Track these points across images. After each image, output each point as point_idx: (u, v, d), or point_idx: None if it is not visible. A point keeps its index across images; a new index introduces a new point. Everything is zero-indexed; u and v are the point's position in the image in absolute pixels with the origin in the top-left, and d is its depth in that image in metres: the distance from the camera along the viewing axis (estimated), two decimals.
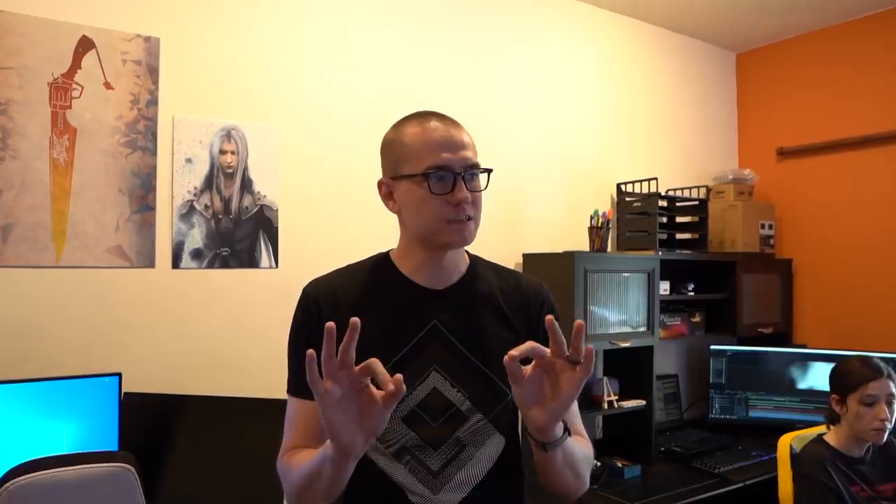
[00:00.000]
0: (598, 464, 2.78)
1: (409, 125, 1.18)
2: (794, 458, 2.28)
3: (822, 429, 2.27)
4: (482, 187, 1.18)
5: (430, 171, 1.12)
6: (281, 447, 1.16)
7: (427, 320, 1.18)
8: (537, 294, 1.28)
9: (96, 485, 1.33)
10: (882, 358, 2.21)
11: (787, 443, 2.34)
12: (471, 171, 1.15)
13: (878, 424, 2.08)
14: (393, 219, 1.23)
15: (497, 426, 1.19)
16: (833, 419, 2.21)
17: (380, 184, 1.22)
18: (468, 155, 1.15)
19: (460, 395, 1.16)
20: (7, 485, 1.24)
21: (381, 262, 1.24)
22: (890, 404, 2.09)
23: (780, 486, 2.31)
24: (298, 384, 1.13)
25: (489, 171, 1.19)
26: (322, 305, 1.16)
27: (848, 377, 2.17)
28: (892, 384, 2.11)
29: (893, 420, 2.11)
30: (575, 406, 1.21)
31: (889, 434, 2.13)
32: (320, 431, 1.09)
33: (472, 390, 1.16)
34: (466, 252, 1.27)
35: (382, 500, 1.14)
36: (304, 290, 1.20)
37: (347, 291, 1.19)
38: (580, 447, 1.16)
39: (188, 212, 2.25)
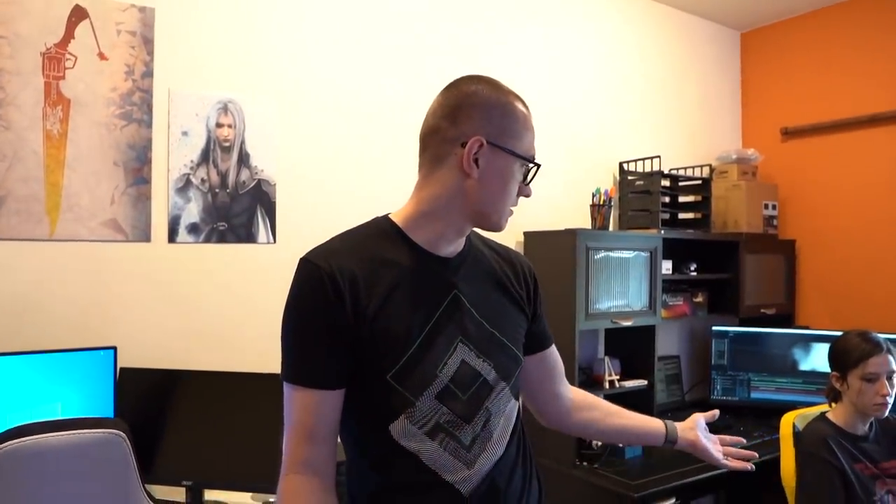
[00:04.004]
0: (599, 443, 2.76)
1: (515, 101, 1.15)
2: (798, 436, 2.25)
3: (825, 407, 2.25)
4: None
5: (535, 163, 1.15)
6: (284, 450, 1.07)
7: (448, 290, 1.14)
8: (529, 268, 1.31)
9: (87, 450, 1.31)
10: (886, 339, 2.17)
11: (790, 421, 2.31)
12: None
13: (880, 400, 2.05)
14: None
15: (513, 392, 1.20)
16: (834, 397, 2.19)
17: (475, 141, 1.09)
18: None
19: (487, 364, 1.14)
20: None
21: (388, 229, 1.15)
22: (890, 379, 2.07)
23: (782, 464, 2.29)
24: (304, 372, 1.06)
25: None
26: (340, 282, 1.04)
27: (848, 354, 2.14)
28: (892, 359, 2.08)
29: (895, 395, 2.09)
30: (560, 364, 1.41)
31: (892, 410, 2.11)
32: (324, 426, 1.06)
33: (496, 359, 1.15)
34: None
35: (416, 487, 1.09)
36: (312, 262, 1.06)
37: (362, 265, 1.08)
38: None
39: (184, 185, 2.22)
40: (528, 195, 1.17)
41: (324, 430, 1.06)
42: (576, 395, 1.43)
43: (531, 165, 1.15)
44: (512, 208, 1.16)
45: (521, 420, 1.24)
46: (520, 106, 1.15)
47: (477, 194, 1.11)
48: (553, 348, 1.38)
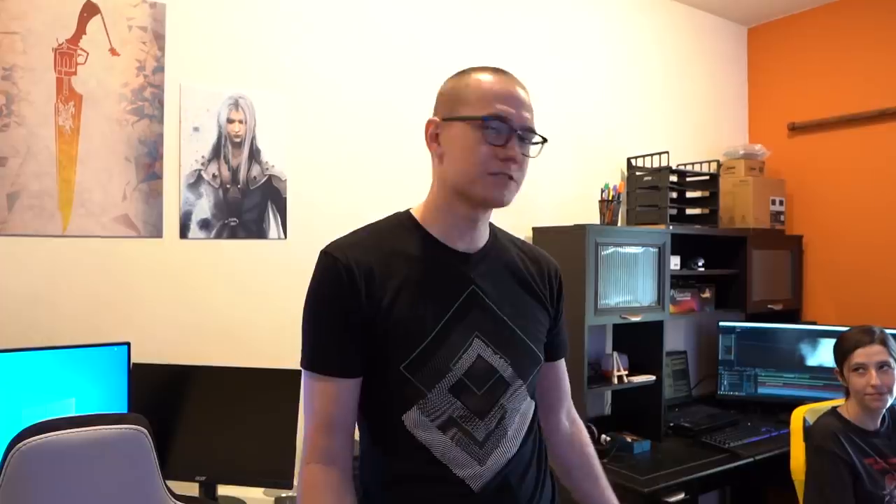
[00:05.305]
0: (609, 439, 2.77)
1: (476, 72, 1.14)
2: (808, 430, 2.27)
3: (837, 402, 2.26)
4: (534, 154, 1.14)
5: (491, 118, 1.08)
6: (304, 439, 1.10)
7: (466, 285, 1.14)
8: (556, 269, 1.31)
9: (109, 446, 1.31)
10: (891, 334, 2.18)
11: (800, 415, 2.33)
12: (527, 133, 1.12)
13: (871, 390, 2.07)
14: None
15: (530, 391, 1.20)
16: (846, 392, 2.20)
17: (428, 123, 1.15)
18: (528, 117, 1.13)
19: (503, 361, 1.14)
20: (19, 445, 1.22)
21: (406, 223, 1.17)
22: (883, 369, 2.07)
23: (792, 458, 2.30)
24: (320, 361, 1.09)
25: (544, 140, 1.16)
26: (356, 274, 1.07)
27: (839, 347, 2.18)
28: (883, 349, 2.09)
29: None
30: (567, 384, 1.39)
31: None
32: (341, 415, 1.09)
33: (513, 356, 1.15)
34: None
35: (425, 480, 1.10)
36: (330, 254, 1.10)
37: (379, 258, 1.11)
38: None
39: (196, 181, 2.22)
40: (511, 156, 1.08)
41: (342, 419, 1.09)
42: (576, 431, 1.38)
43: (491, 123, 1.08)
44: (499, 172, 1.09)
45: (537, 420, 1.24)
46: (476, 75, 1.14)
47: (448, 170, 1.12)
48: (562, 363, 1.37)
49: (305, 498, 1.07)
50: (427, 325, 1.09)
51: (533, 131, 1.13)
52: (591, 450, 1.38)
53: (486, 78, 1.13)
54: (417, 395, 1.08)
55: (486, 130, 1.08)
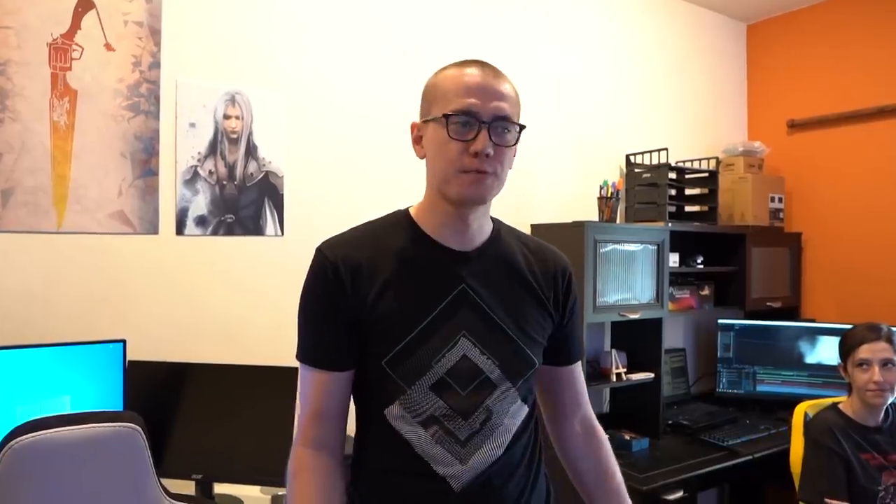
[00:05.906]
0: (607, 436, 2.75)
1: (449, 69, 1.12)
2: (807, 424, 2.27)
3: (840, 399, 2.26)
4: (510, 143, 1.10)
5: (453, 114, 1.06)
6: (296, 425, 1.13)
7: (456, 284, 1.13)
8: (565, 269, 1.26)
9: (102, 444, 1.30)
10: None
11: (802, 410, 2.35)
12: (499, 122, 1.07)
13: (873, 386, 2.07)
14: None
15: (521, 395, 1.17)
16: (849, 388, 2.21)
17: (412, 126, 1.16)
18: (501, 106, 1.08)
19: (490, 362, 1.12)
20: (11, 443, 1.21)
21: (402, 221, 1.17)
22: (886, 367, 2.07)
23: (792, 451, 2.32)
24: (311, 354, 1.12)
25: (521, 126, 1.12)
26: (342, 271, 1.09)
27: (845, 343, 2.19)
28: (889, 346, 2.09)
29: None
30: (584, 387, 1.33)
31: None
32: (331, 405, 1.12)
33: (502, 358, 1.13)
34: (491, 217, 1.22)
35: (407, 474, 1.10)
36: (321, 252, 1.12)
37: (369, 254, 1.12)
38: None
39: (192, 177, 2.21)
40: (481, 149, 1.05)
41: (333, 409, 1.12)
42: (593, 440, 1.32)
43: (455, 119, 1.06)
44: (470, 169, 1.06)
45: (534, 425, 1.21)
46: (446, 71, 1.12)
47: (429, 171, 1.13)
48: (576, 368, 1.31)
49: (294, 479, 1.09)
50: (411, 321, 1.09)
51: (507, 119, 1.08)
52: (609, 460, 1.31)
53: (453, 73, 1.11)
54: (398, 391, 1.09)
55: (451, 127, 1.06)
